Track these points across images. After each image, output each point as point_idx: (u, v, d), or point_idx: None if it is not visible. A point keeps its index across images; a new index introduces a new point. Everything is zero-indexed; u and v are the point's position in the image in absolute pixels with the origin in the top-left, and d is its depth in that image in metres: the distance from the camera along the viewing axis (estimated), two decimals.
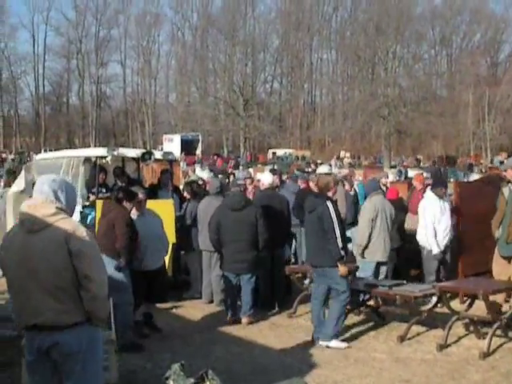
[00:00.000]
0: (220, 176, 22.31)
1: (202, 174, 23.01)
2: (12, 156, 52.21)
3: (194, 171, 24.92)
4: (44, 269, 4.96)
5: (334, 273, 9.13)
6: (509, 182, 10.49)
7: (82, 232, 5.05)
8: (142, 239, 9.27)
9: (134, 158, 13.10)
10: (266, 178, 11.99)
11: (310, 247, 9.52)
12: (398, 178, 29.11)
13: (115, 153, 12.27)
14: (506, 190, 10.39)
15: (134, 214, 9.47)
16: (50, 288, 4.97)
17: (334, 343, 9.13)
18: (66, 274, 4.97)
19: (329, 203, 9.27)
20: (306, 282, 11.06)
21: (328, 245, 9.05)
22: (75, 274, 4.98)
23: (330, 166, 28.83)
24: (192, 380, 4.26)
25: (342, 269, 9.17)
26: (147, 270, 9.45)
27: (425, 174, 17.69)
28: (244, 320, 10.52)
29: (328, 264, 9.12)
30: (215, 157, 54.86)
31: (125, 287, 8.82)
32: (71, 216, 5.24)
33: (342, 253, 9.16)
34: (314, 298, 9.59)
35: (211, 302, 11.58)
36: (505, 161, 56.83)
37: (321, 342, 9.10)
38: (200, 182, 13.80)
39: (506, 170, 10.86)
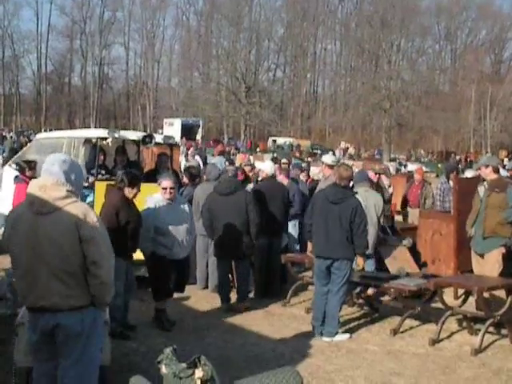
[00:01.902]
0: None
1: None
2: (12, 134, 52.17)
3: (194, 156, 24.95)
4: (53, 253, 4.95)
5: (348, 266, 9.12)
6: (483, 180, 10.52)
7: (93, 217, 5.04)
8: (169, 228, 9.05)
9: (134, 141, 13.06)
10: (266, 167, 11.94)
11: (329, 239, 9.11)
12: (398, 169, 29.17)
13: (116, 135, 12.24)
14: (481, 189, 10.44)
15: (161, 201, 9.21)
16: (57, 272, 4.97)
17: (338, 337, 9.14)
18: (75, 258, 4.97)
19: (358, 196, 9.29)
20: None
21: (356, 237, 9.00)
22: (83, 259, 4.98)
23: (334, 154, 28.80)
24: (184, 365, 4.26)
25: (360, 261, 9.32)
26: (175, 259, 9.20)
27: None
28: (239, 306, 10.54)
29: (348, 256, 9.08)
30: (213, 142, 54.82)
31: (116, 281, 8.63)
32: (79, 197, 5.21)
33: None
34: (319, 292, 9.41)
35: (206, 287, 11.59)
36: (505, 159, 57.17)
37: (325, 339, 9.08)
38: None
39: (479, 169, 10.89)
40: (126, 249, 8.61)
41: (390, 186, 14.64)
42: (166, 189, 9.20)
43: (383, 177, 14.41)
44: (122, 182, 8.76)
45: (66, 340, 5.08)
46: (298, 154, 50.61)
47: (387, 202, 13.81)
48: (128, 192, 8.75)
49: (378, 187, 12.36)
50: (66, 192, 5.03)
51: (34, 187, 5.11)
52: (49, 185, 5.03)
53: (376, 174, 12.32)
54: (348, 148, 69.62)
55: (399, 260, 11.30)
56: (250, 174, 14.16)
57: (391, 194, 14.49)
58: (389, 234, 12.13)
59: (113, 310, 8.44)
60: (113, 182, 9.49)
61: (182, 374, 4.23)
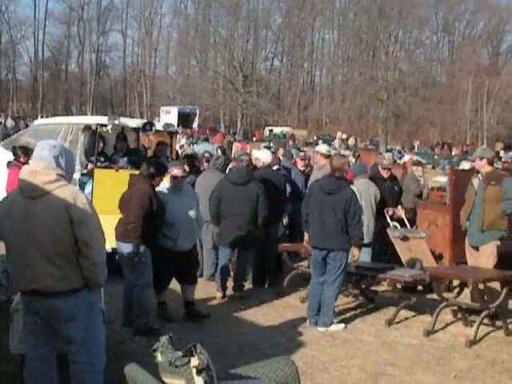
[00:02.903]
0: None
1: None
2: (10, 120, 52.04)
3: (190, 145, 24.92)
4: (44, 236, 4.99)
5: (344, 256, 9.12)
6: (478, 172, 10.51)
7: (83, 199, 5.09)
8: (175, 219, 8.80)
9: (134, 128, 13.01)
10: (264, 156, 11.88)
11: (324, 229, 9.11)
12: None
13: (116, 122, 12.18)
14: (475, 181, 10.44)
15: (169, 190, 9.02)
16: (49, 254, 5.02)
17: (334, 327, 9.16)
18: (66, 241, 5.01)
19: (353, 186, 9.29)
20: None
21: (351, 228, 8.99)
22: (75, 241, 5.03)
23: (330, 145, 28.78)
24: (180, 353, 4.25)
25: (356, 251, 9.31)
26: (180, 251, 8.97)
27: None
28: (235, 295, 10.55)
29: (344, 247, 9.08)
30: (209, 131, 54.83)
31: (142, 269, 8.40)
32: (70, 182, 5.24)
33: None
34: (314, 282, 9.44)
35: (201, 275, 11.57)
36: (501, 151, 57.19)
37: (320, 329, 9.09)
38: (206, 155, 13.73)
39: (474, 161, 10.89)
40: (155, 238, 8.51)
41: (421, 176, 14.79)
42: (176, 178, 8.96)
43: (418, 168, 14.52)
44: (150, 171, 8.52)
45: (62, 323, 5.14)
46: (291, 143, 50.78)
47: (419, 194, 13.89)
48: (156, 181, 8.59)
49: (393, 180, 12.37)
50: (56, 176, 5.08)
51: (25, 173, 5.16)
52: (39, 169, 5.08)
53: (384, 168, 12.33)
54: (348, 138, 69.64)
55: (414, 252, 11.24)
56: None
57: (423, 186, 14.60)
58: (406, 226, 12.10)
59: (143, 302, 8.40)
60: (136, 172, 9.39)
61: (177, 363, 4.23)
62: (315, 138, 61.94)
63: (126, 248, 8.27)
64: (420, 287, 10.66)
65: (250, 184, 10.56)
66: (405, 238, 11.43)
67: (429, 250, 11.60)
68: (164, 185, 9.09)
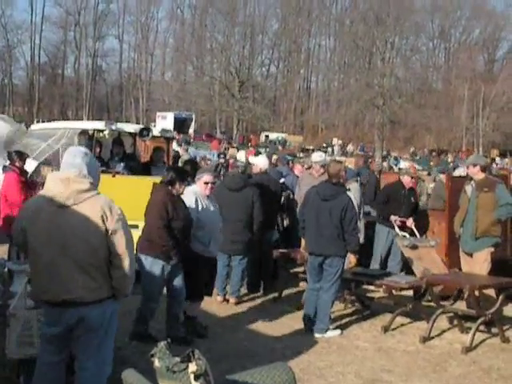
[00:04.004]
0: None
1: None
2: None
3: (187, 150, 24.93)
4: (78, 246, 4.92)
5: (340, 262, 9.11)
6: (471, 179, 10.54)
7: (117, 210, 5.02)
8: (206, 224, 8.55)
9: (130, 134, 13.01)
10: (261, 162, 11.89)
11: (321, 235, 9.09)
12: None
13: (113, 127, 12.16)
14: (468, 188, 10.47)
15: (202, 194, 8.71)
16: (82, 265, 4.95)
17: (330, 333, 9.16)
18: (100, 251, 4.96)
19: (349, 193, 9.28)
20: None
21: (347, 234, 8.98)
22: (108, 251, 4.97)
23: (325, 152, 28.82)
24: (178, 359, 4.25)
25: (353, 258, 9.27)
26: (211, 257, 8.79)
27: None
28: (231, 300, 10.57)
29: (340, 253, 9.06)
30: (205, 137, 54.90)
31: (152, 282, 8.17)
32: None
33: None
34: (311, 288, 9.45)
35: None
36: (496, 158, 57.24)
37: (316, 335, 9.09)
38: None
39: (467, 167, 10.91)
40: (173, 249, 8.07)
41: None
42: (207, 183, 8.71)
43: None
44: (170, 177, 8.20)
45: (87, 333, 5.09)
46: (280, 148, 51.51)
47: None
48: (176, 188, 8.22)
49: (411, 190, 12.25)
50: (90, 184, 5.00)
51: (55, 180, 5.05)
52: (72, 177, 4.98)
53: (412, 178, 12.22)
54: (347, 144, 69.83)
55: (425, 261, 11.20)
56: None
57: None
58: (416, 236, 12.05)
59: (145, 311, 8.30)
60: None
61: (175, 368, 4.22)
62: (311, 148, 61.85)
63: (145, 261, 8.12)
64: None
65: (245, 189, 10.57)
66: (414, 247, 11.38)
67: (439, 258, 11.53)
68: (197, 188, 8.80)
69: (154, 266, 8.09)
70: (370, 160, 18.97)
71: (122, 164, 12.23)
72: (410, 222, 11.90)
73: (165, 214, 7.95)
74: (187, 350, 4.32)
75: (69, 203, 4.92)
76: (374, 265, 11.94)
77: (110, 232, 4.94)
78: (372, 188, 16.48)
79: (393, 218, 11.79)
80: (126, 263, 5.04)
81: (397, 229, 11.82)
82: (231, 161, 14.91)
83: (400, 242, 11.53)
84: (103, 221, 4.92)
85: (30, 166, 11.99)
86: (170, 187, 8.18)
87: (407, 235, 11.78)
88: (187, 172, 8.87)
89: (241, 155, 12.27)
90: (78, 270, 4.94)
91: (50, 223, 4.94)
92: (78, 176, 4.98)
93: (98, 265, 4.99)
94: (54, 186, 5.01)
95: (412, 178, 12.20)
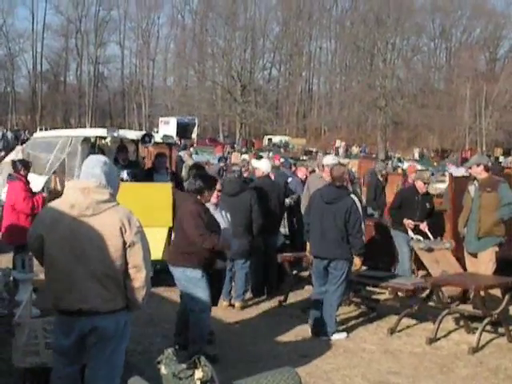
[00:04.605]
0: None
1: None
2: (10, 133, 52.14)
3: (191, 155, 24.97)
4: (96, 256, 4.91)
5: (345, 265, 9.10)
6: (474, 179, 10.51)
7: (136, 222, 5.00)
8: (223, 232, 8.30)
9: (133, 140, 13.02)
10: (263, 166, 11.89)
11: (325, 238, 9.09)
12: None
13: (115, 134, 12.19)
14: (471, 188, 10.46)
15: (209, 203, 8.37)
16: (99, 275, 4.93)
17: (336, 336, 9.15)
18: (117, 262, 4.94)
19: (353, 196, 9.27)
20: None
21: (351, 237, 8.96)
22: (125, 263, 4.96)
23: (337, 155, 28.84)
24: (184, 365, 4.26)
25: (358, 261, 9.23)
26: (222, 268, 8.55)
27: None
28: (237, 304, 10.56)
29: (345, 256, 9.04)
30: (208, 141, 54.98)
31: (201, 293, 7.95)
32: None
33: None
34: (316, 292, 9.44)
35: None
36: (500, 157, 57.23)
37: (322, 338, 9.08)
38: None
39: (470, 168, 10.87)
40: (213, 258, 7.99)
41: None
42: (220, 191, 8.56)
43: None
44: (198, 185, 8.04)
45: (100, 342, 5.06)
46: (283, 151, 51.63)
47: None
48: (204, 197, 8.11)
49: (426, 195, 12.14)
50: (109, 195, 4.99)
51: (74, 189, 5.04)
52: (91, 187, 4.95)
53: (425, 183, 12.08)
54: (351, 146, 69.92)
55: (442, 263, 11.17)
56: (246, 174, 14.09)
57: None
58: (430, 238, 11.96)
59: (200, 328, 7.91)
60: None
61: (181, 375, 4.23)
62: (315, 150, 61.87)
63: (188, 273, 7.93)
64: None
65: (242, 194, 10.58)
66: (430, 250, 11.33)
67: (455, 259, 11.47)
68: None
69: (197, 276, 7.91)
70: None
71: (125, 171, 12.22)
72: (423, 226, 11.76)
73: (201, 223, 7.82)
74: (194, 357, 4.32)
75: (88, 213, 4.91)
76: (401, 270, 11.79)
77: (128, 244, 4.92)
78: (373, 189, 16.52)
79: (405, 221, 11.67)
80: (143, 275, 5.01)
81: (411, 232, 11.71)
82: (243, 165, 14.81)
83: (416, 245, 11.45)
84: (122, 232, 4.90)
85: (39, 181, 11.99)
86: (198, 196, 8.06)
87: (421, 238, 11.68)
88: (215, 179, 8.64)
89: (259, 162, 12.21)
90: (94, 280, 4.93)
91: (67, 232, 4.92)
92: (97, 186, 4.96)
93: (114, 276, 4.97)
94: (73, 194, 4.99)
95: (425, 183, 12.04)
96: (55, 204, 5.16)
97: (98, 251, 4.90)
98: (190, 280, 7.92)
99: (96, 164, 5.07)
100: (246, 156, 25.43)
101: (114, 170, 5.22)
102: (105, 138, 12.16)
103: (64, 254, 4.94)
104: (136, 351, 8.11)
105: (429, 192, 12.44)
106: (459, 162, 47.94)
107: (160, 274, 10.42)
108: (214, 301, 8.73)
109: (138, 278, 5.01)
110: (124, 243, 4.91)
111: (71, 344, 5.10)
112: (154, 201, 10.64)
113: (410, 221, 11.60)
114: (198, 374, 4.19)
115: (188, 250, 7.88)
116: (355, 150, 68.68)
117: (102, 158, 5.27)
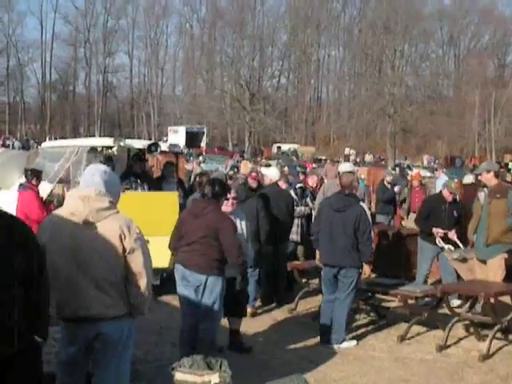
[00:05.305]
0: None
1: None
2: (18, 143, 52.39)
3: (200, 164, 25.03)
4: (97, 264, 4.94)
5: (355, 273, 9.08)
6: (484, 186, 10.47)
7: (136, 229, 5.03)
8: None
9: (140, 149, 13.07)
10: (272, 174, 11.89)
11: (335, 246, 9.05)
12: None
13: (122, 143, 12.21)
14: (481, 195, 10.43)
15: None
16: (100, 282, 4.97)
17: (346, 344, 9.12)
18: (118, 269, 4.97)
19: (362, 203, 9.26)
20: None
21: (361, 245, 8.92)
22: (126, 270, 5.00)
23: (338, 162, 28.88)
24: (199, 372, 4.25)
25: (367, 269, 9.23)
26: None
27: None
28: (248, 311, 10.53)
29: (354, 264, 9.00)
30: (217, 150, 55.08)
31: (219, 301, 7.85)
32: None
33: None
34: (326, 300, 9.40)
35: None
36: (510, 164, 57.13)
37: (332, 346, 9.05)
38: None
39: (480, 174, 10.82)
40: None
41: None
42: (227, 199, 8.24)
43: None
44: (216, 191, 7.83)
45: (104, 349, 5.09)
46: (294, 159, 51.63)
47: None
48: (222, 202, 7.98)
49: (454, 203, 12.01)
50: (109, 203, 5.03)
51: (74, 197, 5.08)
52: (92, 195, 4.99)
53: (451, 193, 11.95)
54: (363, 154, 69.97)
55: (477, 272, 11.07)
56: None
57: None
58: (460, 247, 11.85)
59: (208, 334, 7.82)
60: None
61: (198, 380, 4.23)
62: (324, 158, 61.88)
63: (214, 281, 7.76)
64: None
65: (248, 201, 10.55)
66: (464, 260, 11.23)
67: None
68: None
69: (221, 284, 7.81)
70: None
71: (145, 187, 11.99)
72: (451, 234, 11.64)
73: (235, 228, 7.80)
74: (216, 358, 4.31)
75: (89, 221, 4.95)
76: (419, 280, 11.73)
77: (127, 251, 4.95)
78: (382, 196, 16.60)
79: (434, 230, 11.55)
80: (144, 281, 5.04)
81: (441, 241, 11.59)
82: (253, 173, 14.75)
83: (449, 255, 11.34)
84: (121, 240, 4.93)
85: (44, 188, 12.01)
86: (217, 201, 7.91)
87: (452, 248, 11.56)
88: (228, 186, 8.57)
89: (267, 170, 12.21)
90: (96, 287, 4.96)
91: (68, 240, 4.96)
92: (97, 195, 5.00)
93: (116, 282, 5.01)
94: (74, 203, 5.03)
95: (451, 193, 11.91)
96: (56, 213, 5.23)
97: (99, 258, 4.94)
98: (215, 288, 7.76)
99: (96, 172, 5.11)
100: (251, 165, 25.37)
101: (114, 179, 5.26)
102: (111, 147, 12.17)
103: (66, 262, 4.98)
104: (145, 359, 8.11)
105: (456, 200, 12.30)
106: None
107: (168, 282, 10.42)
108: (238, 311, 8.83)
109: (140, 283, 5.04)
110: (124, 250, 4.95)
111: (76, 352, 5.14)
112: (161, 210, 10.65)
113: (440, 229, 11.51)
114: (215, 379, 4.19)
115: (219, 258, 7.72)
116: (368, 157, 68.64)
117: (101, 166, 5.35)
